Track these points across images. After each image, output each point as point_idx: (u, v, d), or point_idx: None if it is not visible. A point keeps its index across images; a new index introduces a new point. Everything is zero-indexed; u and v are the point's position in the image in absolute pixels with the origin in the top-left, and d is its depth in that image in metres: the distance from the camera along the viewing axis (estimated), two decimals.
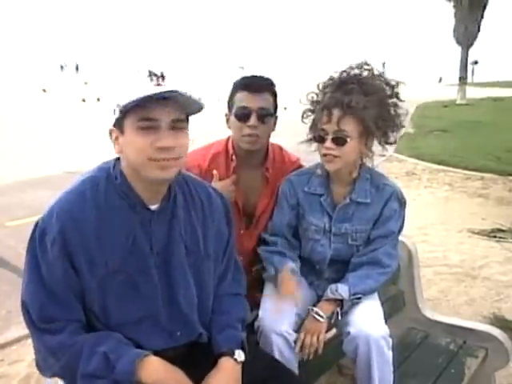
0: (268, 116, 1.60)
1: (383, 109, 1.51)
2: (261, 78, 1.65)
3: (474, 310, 3.04)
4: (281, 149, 1.79)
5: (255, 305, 1.51)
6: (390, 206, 1.59)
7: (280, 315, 1.44)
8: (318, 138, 1.53)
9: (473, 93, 22.23)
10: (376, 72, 1.56)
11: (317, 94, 1.57)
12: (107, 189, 1.13)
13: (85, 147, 9.11)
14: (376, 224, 1.60)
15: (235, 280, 1.35)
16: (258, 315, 1.48)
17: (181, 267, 1.18)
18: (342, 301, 1.48)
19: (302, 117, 1.59)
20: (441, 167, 7.64)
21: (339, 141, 1.48)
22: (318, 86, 1.57)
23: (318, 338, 1.43)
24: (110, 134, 1.13)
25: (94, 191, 1.12)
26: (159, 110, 1.05)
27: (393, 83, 1.56)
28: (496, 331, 1.99)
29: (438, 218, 4.99)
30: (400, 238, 1.71)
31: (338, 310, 1.48)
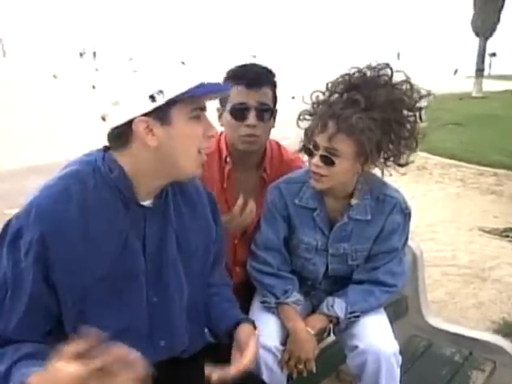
0: (268, 112, 1.43)
1: (393, 130, 1.26)
2: (258, 67, 1.46)
3: (482, 313, 2.91)
4: (279, 145, 1.61)
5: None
6: (392, 219, 1.40)
7: (268, 328, 1.32)
8: (306, 150, 1.33)
9: (490, 86, 21.67)
10: (399, 78, 1.29)
11: (323, 94, 1.33)
12: (96, 185, 1.00)
13: (86, 135, 9.07)
14: (377, 239, 1.42)
15: (222, 278, 1.28)
16: None
17: (174, 267, 1.08)
18: (337, 317, 1.35)
19: (299, 119, 1.35)
20: (453, 162, 7.43)
21: (327, 160, 1.27)
22: (327, 85, 1.33)
23: (305, 361, 1.30)
24: (136, 124, 0.95)
25: (80, 187, 0.98)
26: (207, 98, 1.04)
27: (416, 96, 1.29)
28: (505, 343, 1.87)
29: (448, 215, 4.84)
30: None
31: (331, 326, 1.35)
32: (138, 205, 1.03)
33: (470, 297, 3.12)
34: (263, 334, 1.29)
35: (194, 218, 1.15)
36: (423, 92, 1.31)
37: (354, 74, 1.30)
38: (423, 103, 1.31)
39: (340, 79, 1.32)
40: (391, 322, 1.68)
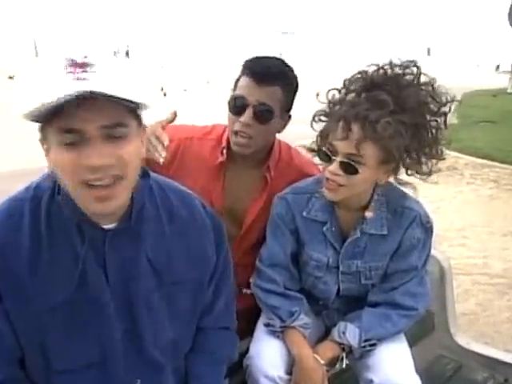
0: (268, 114, 1.26)
1: (420, 135, 1.14)
2: (275, 62, 1.29)
3: None
4: (289, 148, 1.45)
5: (244, 334, 1.25)
6: (411, 234, 1.25)
7: (272, 354, 1.19)
8: (323, 155, 1.18)
9: None
10: (425, 78, 1.16)
11: (339, 92, 1.20)
12: (51, 204, 0.89)
13: None
14: (394, 256, 1.28)
15: (226, 312, 1.11)
16: (247, 348, 1.24)
17: (147, 299, 0.94)
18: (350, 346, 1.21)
19: (313, 120, 1.21)
20: (485, 162, 7.11)
21: (349, 168, 1.13)
22: (345, 82, 1.20)
23: None
24: (41, 144, 0.85)
25: (34, 206, 0.88)
26: (82, 117, 0.77)
27: (441, 100, 1.16)
28: None
29: (480, 218, 4.58)
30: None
31: (344, 355, 1.21)
32: (96, 228, 0.89)
33: (504, 309, 2.90)
34: (266, 362, 1.16)
35: (183, 245, 0.99)
36: (448, 97, 1.17)
37: (374, 71, 1.16)
38: (448, 108, 1.17)
39: (358, 76, 1.18)
40: (415, 341, 1.54)
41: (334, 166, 1.14)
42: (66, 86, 0.75)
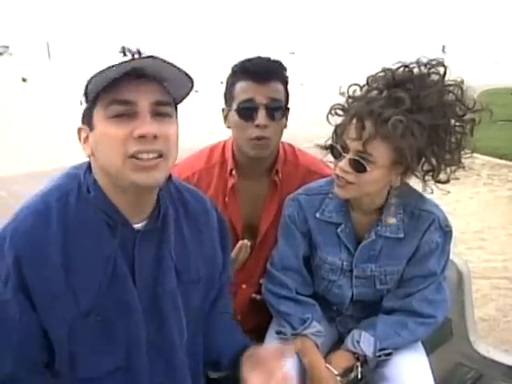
0: (280, 110, 1.25)
1: (439, 139, 1.08)
2: (266, 59, 1.28)
3: None
4: (293, 148, 1.42)
5: (256, 341, 1.21)
6: (429, 238, 1.20)
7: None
8: (334, 151, 1.16)
9: None
10: (451, 80, 1.10)
11: (361, 88, 1.16)
12: (79, 204, 0.87)
13: None
14: (411, 261, 1.23)
15: (226, 307, 1.14)
16: None
17: (172, 299, 0.94)
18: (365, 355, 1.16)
19: (330, 113, 1.17)
20: (503, 162, 6.95)
21: (358, 166, 1.10)
22: (368, 78, 1.16)
23: None
24: (79, 133, 0.87)
25: (62, 207, 0.86)
26: (135, 90, 0.80)
27: (468, 104, 1.10)
28: None
29: (498, 220, 4.46)
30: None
31: (358, 364, 1.16)
32: (127, 227, 0.89)
33: None
34: None
35: (199, 243, 1.00)
36: (479, 104, 1.11)
37: (398, 69, 1.12)
38: (475, 116, 1.11)
39: (381, 73, 1.14)
40: (433, 348, 1.48)
41: (344, 163, 1.12)
42: (124, 61, 0.78)
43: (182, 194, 1.01)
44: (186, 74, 0.83)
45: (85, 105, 0.83)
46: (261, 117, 1.21)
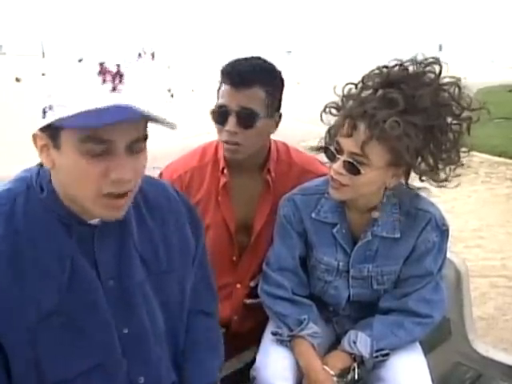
0: (251, 118, 1.20)
1: (435, 139, 1.07)
2: (251, 62, 1.23)
3: None
4: (287, 147, 1.40)
5: (252, 343, 1.21)
6: (425, 237, 1.19)
7: (280, 365, 1.13)
8: (328, 152, 1.14)
9: None
10: (448, 77, 1.08)
11: (356, 87, 1.14)
12: (27, 205, 0.84)
13: None
14: (408, 260, 1.21)
15: (206, 296, 1.10)
16: (254, 359, 1.19)
17: (141, 291, 0.92)
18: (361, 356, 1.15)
19: (324, 111, 1.15)
20: (502, 160, 6.99)
21: (352, 168, 1.08)
22: (363, 77, 1.14)
23: None
24: (34, 139, 0.82)
25: (10, 211, 0.83)
26: (112, 129, 0.74)
27: (465, 103, 1.08)
28: None
29: (496, 218, 4.47)
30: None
31: (355, 365, 1.15)
32: (82, 224, 0.86)
33: None
34: (274, 373, 1.11)
35: (165, 232, 0.97)
36: (476, 103, 1.09)
37: (393, 67, 1.10)
38: (473, 115, 1.10)
39: (376, 72, 1.12)
40: (431, 348, 1.46)
41: (338, 165, 1.10)
42: (104, 99, 0.73)
43: (141, 185, 0.95)
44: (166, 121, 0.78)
45: (51, 118, 0.75)
46: (231, 123, 1.20)
